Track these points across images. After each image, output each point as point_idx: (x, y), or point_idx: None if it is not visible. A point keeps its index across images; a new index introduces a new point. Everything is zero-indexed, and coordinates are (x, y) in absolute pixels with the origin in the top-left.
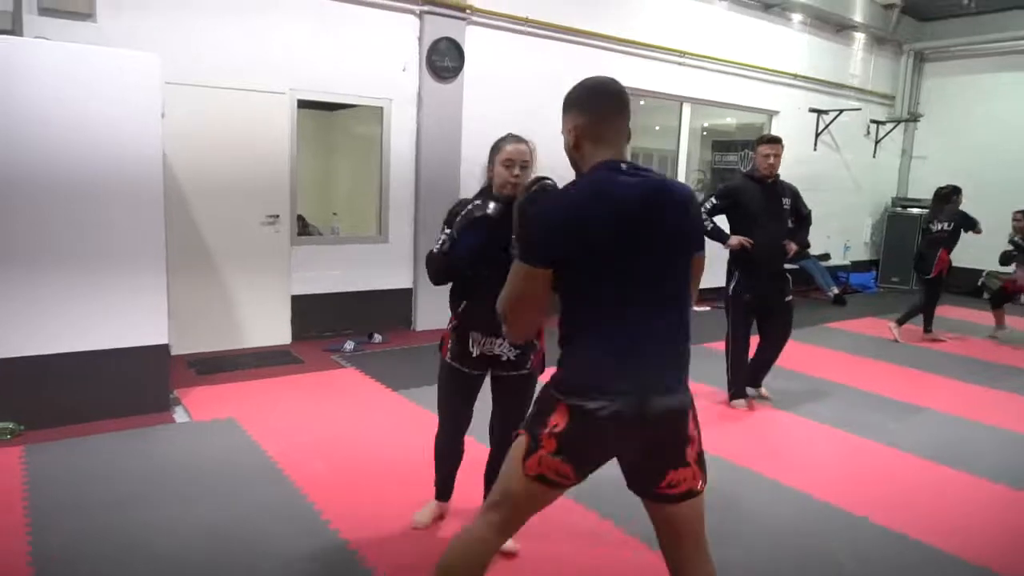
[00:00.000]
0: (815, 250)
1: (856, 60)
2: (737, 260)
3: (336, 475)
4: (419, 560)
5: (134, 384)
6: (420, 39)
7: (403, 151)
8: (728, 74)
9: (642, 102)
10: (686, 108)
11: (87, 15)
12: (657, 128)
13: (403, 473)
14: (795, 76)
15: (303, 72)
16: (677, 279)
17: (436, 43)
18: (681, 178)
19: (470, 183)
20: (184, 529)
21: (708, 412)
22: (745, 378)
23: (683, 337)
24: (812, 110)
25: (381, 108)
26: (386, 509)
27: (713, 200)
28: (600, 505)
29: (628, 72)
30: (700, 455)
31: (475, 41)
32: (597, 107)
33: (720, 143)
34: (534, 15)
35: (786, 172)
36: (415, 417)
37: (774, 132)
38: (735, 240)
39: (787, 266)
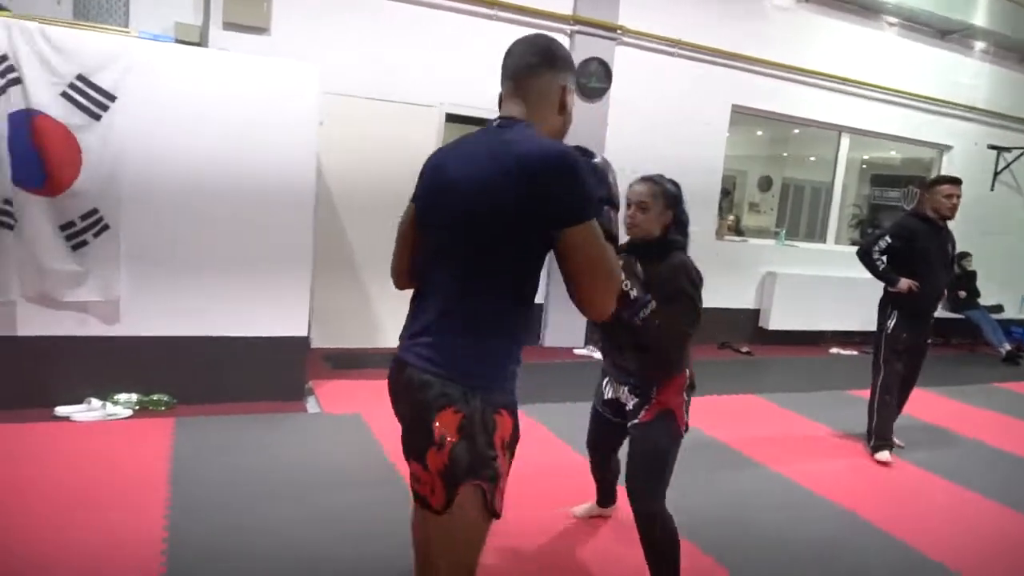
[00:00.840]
0: (985, 300)
1: None
2: (897, 302)
3: None
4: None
5: (274, 372)
6: None
7: None
8: (895, 104)
9: (796, 131)
10: (844, 139)
11: (263, 29)
12: (812, 159)
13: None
14: (971, 108)
15: (453, 87)
16: (472, 259)
17: (585, 63)
18: (834, 213)
19: None
20: (299, 515)
21: (850, 464)
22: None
23: (455, 325)
24: (991, 147)
25: None
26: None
27: (888, 239)
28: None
29: (783, 98)
30: (447, 469)
31: (624, 62)
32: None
33: (881, 177)
34: (687, 37)
35: (959, 212)
36: (532, 432)
37: (945, 169)
38: (904, 284)
39: (950, 315)
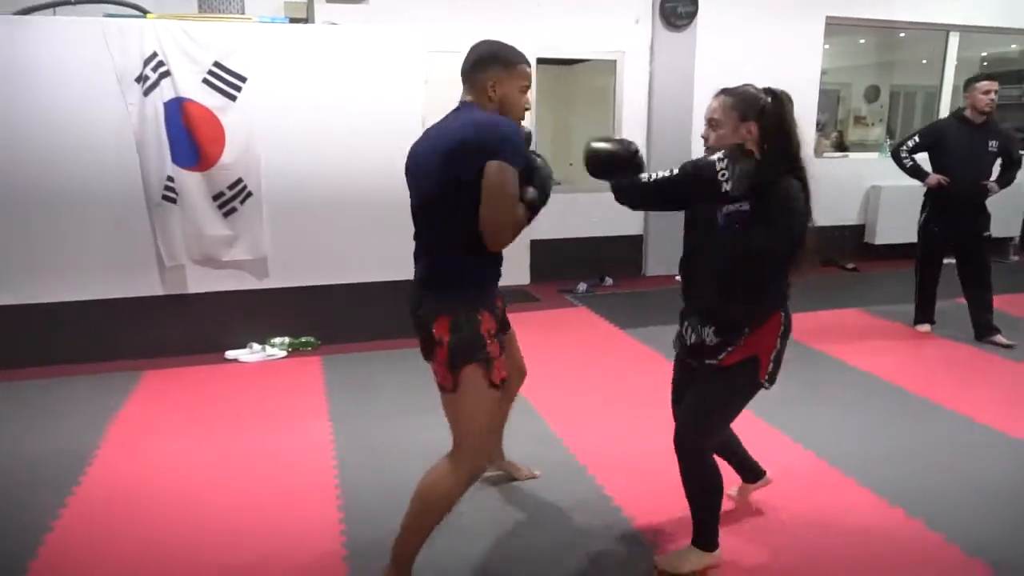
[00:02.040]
0: None
1: None
2: (932, 196)
3: (570, 401)
4: (642, 475)
5: (401, 311)
6: None
7: (636, 102)
8: None
9: (901, 35)
10: (953, 38)
11: None
12: (924, 62)
13: (627, 403)
14: None
15: (543, 31)
16: (428, 217)
17: None
18: (944, 114)
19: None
20: (438, 434)
21: (972, 376)
22: (930, 309)
23: (429, 266)
24: None
25: (614, 61)
26: (613, 433)
27: (916, 139)
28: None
29: (882, 2)
30: (449, 357)
31: None
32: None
33: (999, 75)
34: None
35: None
36: (639, 354)
37: None
38: (933, 179)
39: None
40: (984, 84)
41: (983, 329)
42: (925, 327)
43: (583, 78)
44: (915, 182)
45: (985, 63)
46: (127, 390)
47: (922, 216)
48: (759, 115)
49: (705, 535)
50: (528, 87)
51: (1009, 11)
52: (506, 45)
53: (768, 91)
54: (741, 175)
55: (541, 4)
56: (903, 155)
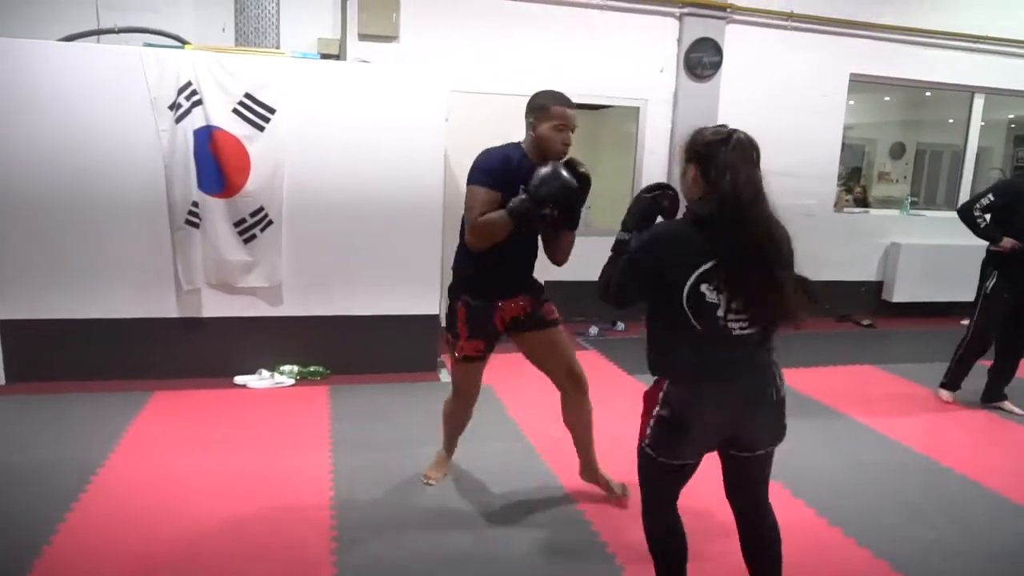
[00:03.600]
0: None
1: None
2: (999, 262)
3: (569, 442)
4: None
5: (410, 346)
6: (679, 40)
7: (657, 149)
8: None
9: (927, 94)
10: (977, 100)
11: (393, 37)
12: (951, 121)
13: (628, 449)
14: None
15: (567, 76)
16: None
17: (695, 43)
18: (967, 179)
19: None
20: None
21: (963, 430)
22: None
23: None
24: None
25: (637, 108)
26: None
27: (990, 197)
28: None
29: (908, 62)
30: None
31: (735, 39)
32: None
33: (1022, 137)
34: (799, 9)
35: None
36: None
37: None
38: (1008, 243)
39: None
40: None
41: (995, 394)
42: (949, 395)
43: (609, 123)
44: (939, 239)
45: (1012, 125)
46: (136, 409)
47: (989, 283)
48: (695, 157)
49: None
50: (562, 126)
51: None
52: (551, 92)
53: (720, 132)
54: (627, 214)
55: (566, 50)
56: (976, 214)
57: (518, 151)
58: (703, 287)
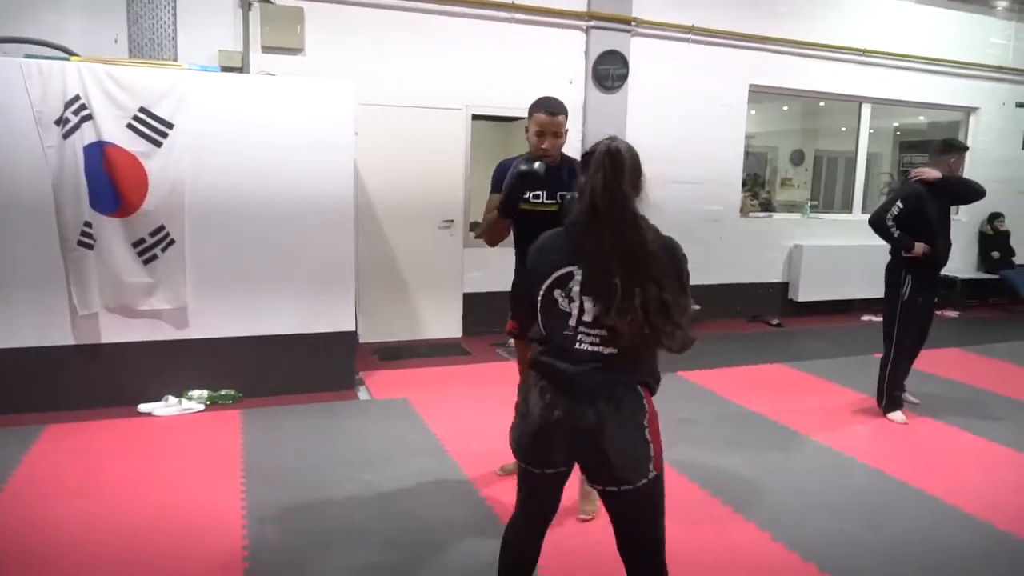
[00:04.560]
0: (1021, 259)
1: None
2: (911, 267)
3: (491, 456)
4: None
5: (327, 364)
6: (587, 52)
7: None
8: (915, 70)
9: (821, 103)
10: (865, 108)
11: (298, 50)
12: (843, 129)
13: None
14: (999, 68)
15: (478, 89)
16: None
17: (602, 56)
18: (859, 183)
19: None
20: (356, 489)
21: (864, 422)
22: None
23: None
24: (1020, 105)
25: None
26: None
27: (899, 205)
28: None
29: (801, 73)
30: None
31: (641, 52)
32: None
33: (909, 144)
34: (700, 23)
35: (988, 173)
36: None
37: (972, 129)
38: (920, 248)
39: (986, 276)
40: (960, 155)
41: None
42: (900, 415)
43: (520, 135)
44: (838, 240)
45: (898, 132)
46: (26, 446)
47: (904, 290)
48: (580, 169)
49: None
50: (540, 132)
51: (915, 86)
52: (541, 99)
53: (597, 144)
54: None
55: (475, 64)
56: (890, 223)
57: (521, 158)
58: (556, 292)
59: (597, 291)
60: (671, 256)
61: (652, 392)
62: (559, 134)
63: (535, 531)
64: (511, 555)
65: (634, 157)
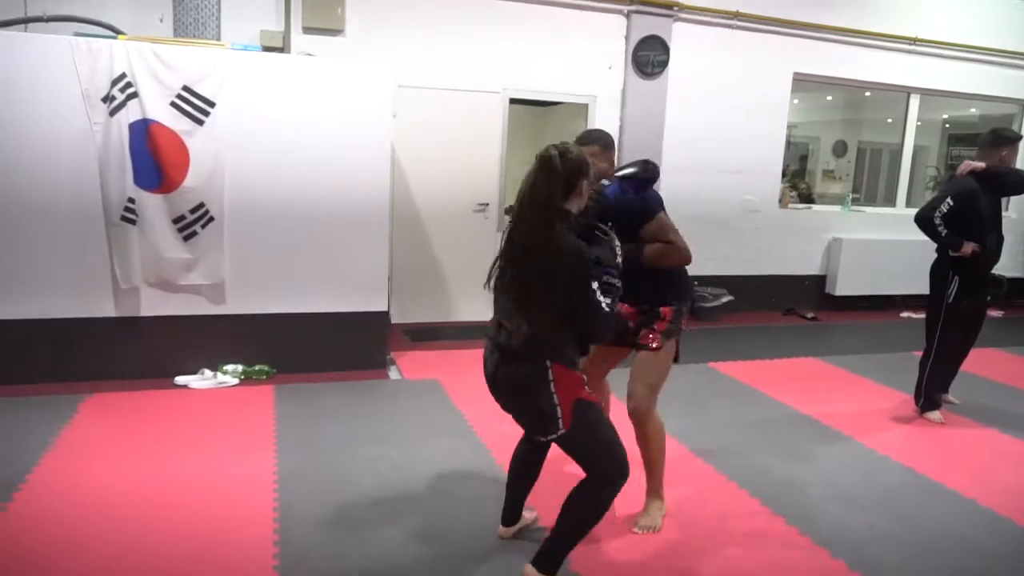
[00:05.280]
0: None
1: None
2: (959, 267)
3: (518, 437)
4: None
5: (359, 344)
6: (627, 37)
7: None
8: (966, 60)
9: (867, 94)
10: (914, 100)
11: (339, 31)
12: (889, 121)
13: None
14: None
15: (516, 73)
16: None
17: (643, 41)
18: (903, 176)
19: (671, 176)
20: (383, 466)
21: (898, 420)
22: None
23: None
24: None
25: (586, 105)
26: (554, 466)
27: (949, 202)
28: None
29: (848, 62)
30: None
31: (682, 38)
32: None
33: (958, 137)
34: (744, 8)
35: None
36: None
37: None
38: (969, 247)
39: None
40: (1016, 146)
41: (943, 387)
42: (938, 415)
43: (558, 120)
44: (879, 234)
45: (947, 124)
46: (71, 413)
47: (951, 291)
48: None
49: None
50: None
51: (966, 77)
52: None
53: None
54: None
55: (514, 47)
56: (937, 222)
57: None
58: (495, 280)
59: (505, 283)
60: (560, 263)
61: (562, 364)
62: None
63: (529, 446)
64: (514, 460)
65: (572, 164)
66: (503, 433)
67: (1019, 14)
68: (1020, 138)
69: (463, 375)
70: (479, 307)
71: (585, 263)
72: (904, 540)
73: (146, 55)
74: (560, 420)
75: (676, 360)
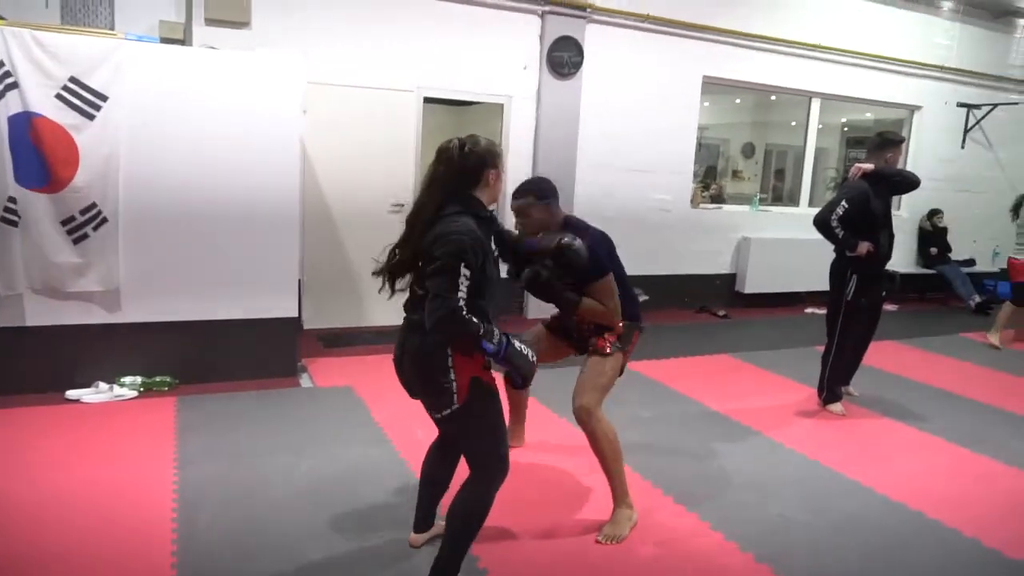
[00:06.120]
0: (958, 255)
1: (1019, 49)
2: (856, 267)
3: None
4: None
5: (268, 351)
6: (542, 38)
7: (522, 147)
8: (863, 67)
9: (772, 97)
10: (815, 103)
11: (244, 23)
12: (793, 124)
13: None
14: (941, 68)
15: (430, 71)
16: None
17: (557, 42)
18: (807, 177)
19: (586, 176)
20: (296, 477)
21: (804, 413)
22: (840, 382)
23: None
24: (960, 104)
25: (502, 105)
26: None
27: (844, 205)
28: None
29: (754, 66)
30: None
31: (595, 39)
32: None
33: (856, 140)
34: (655, 11)
35: (930, 170)
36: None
37: (915, 128)
38: (863, 247)
39: (924, 271)
40: (900, 148)
41: (845, 380)
42: (839, 407)
43: (474, 119)
44: (784, 233)
45: (846, 128)
46: None
47: (849, 289)
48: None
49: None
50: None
51: (862, 82)
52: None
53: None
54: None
55: (428, 45)
56: (834, 225)
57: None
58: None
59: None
60: (436, 243)
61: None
62: (526, 214)
63: (441, 447)
64: (424, 466)
65: (474, 155)
66: (417, 440)
67: (910, 24)
68: (903, 140)
69: (377, 381)
70: (394, 311)
71: (477, 240)
72: (812, 527)
73: (27, 42)
74: (455, 396)
75: (620, 373)
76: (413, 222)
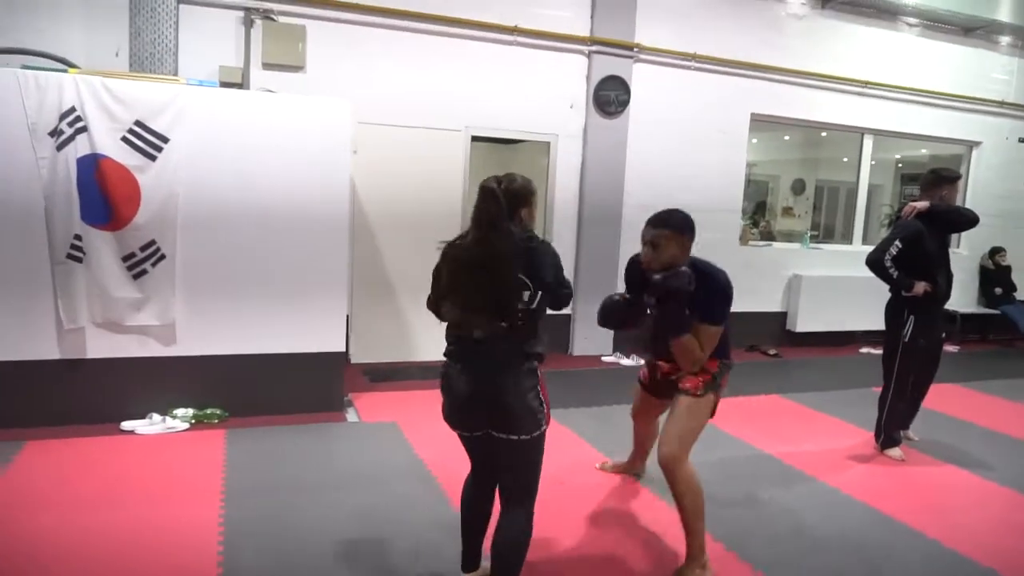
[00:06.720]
0: (1021, 294)
1: None
2: (913, 307)
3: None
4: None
5: (316, 385)
6: (588, 77)
7: (568, 183)
8: (918, 103)
9: (823, 134)
10: (867, 140)
11: (299, 67)
12: (845, 160)
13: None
14: (1001, 103)
15: (478, 110)
16: None
17: (604, 81)
18: (859, 214)
19: (633, 214)
20: (340, 512)
21: (860, 458)
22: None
23: None
24: (1022, 140)
25: (548, 143)
26: None
27: (898, 244)
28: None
29: (803, 103)
30: None
31: (642, 77)
32: None
33: (910, 176)
34: (702, 50)
35: (989, 207)
36: (559, 435)
37: (975, 164)
38: (920, 287)
39: (986, 311)
40: (957, 185)
41: (904, 424)
42: (899, 452)
43: (521, 157)
44: (837, 271)
45: (900, 164)
46: (4, 463)
47: (906, 330)
48: None
49: None
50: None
51: (918, 118)
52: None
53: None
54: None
55: (476, 85)
56: (888, 264)
57: None
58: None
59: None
60: (529, 258)
61: (541, 363)
62: (658, 245)
63: (483, 484)
64: (468, 511)
65: (510, 192)
66: (461, 477)
67: (965, 60)
68: (959, 177)
69: (422, 417)
70: (441, 345)
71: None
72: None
73: (96, 89)
74: (545, 419)
75: (711, 415)
76: (473, 246)
